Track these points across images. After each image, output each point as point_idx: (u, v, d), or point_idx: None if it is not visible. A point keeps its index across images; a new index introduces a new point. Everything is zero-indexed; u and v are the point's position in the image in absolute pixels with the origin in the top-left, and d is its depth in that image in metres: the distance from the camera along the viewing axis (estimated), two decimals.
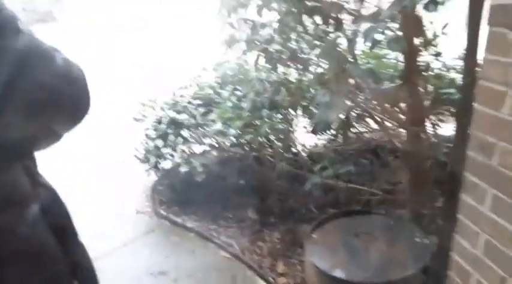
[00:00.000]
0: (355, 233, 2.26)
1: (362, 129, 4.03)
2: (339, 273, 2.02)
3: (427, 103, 2.47)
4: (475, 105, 1.27)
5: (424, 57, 2.69)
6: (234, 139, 2.86)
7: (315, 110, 2.49)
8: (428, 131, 2.46)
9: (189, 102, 3.25)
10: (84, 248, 0.95)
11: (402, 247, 2.16)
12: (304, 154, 3.74)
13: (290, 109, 3.08)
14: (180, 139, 3.10)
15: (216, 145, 3.24)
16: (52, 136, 0.79)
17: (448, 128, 3.74)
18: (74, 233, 0.92)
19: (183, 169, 3.10)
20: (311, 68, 2.42)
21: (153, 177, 3.67)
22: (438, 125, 3.53)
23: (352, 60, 1.95)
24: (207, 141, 3.26)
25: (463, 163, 1.36)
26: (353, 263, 2.08)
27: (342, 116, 2.40)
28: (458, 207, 1.42)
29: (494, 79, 1.16)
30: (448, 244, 1.48)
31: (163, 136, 3.16)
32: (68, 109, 0.76)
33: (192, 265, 2.82)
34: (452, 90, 2.28)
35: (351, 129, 3.20)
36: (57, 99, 0.72)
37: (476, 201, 1.32)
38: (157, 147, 3.15)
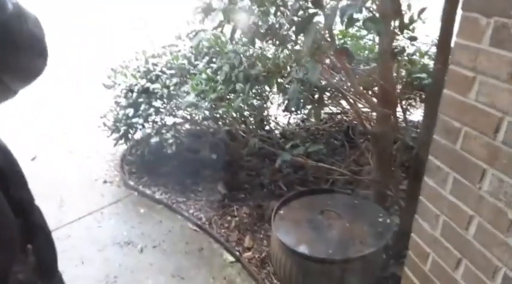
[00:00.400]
0: (321, 211, 2.31)
1: (335, 110, 4.08)
2: (302, 249, 2.06)
3: (399, 87, 2.50)
4: (444, 90, 1.28)
5: (400, 41, 2.71)
6: (207, 113, 2.82)
7: (289, 87, 2.47)
8: (398, 115, 2.50)
9: (162, 72, 3.17)
10: (40, 212, 0.91)
11: (365, 226, 2.22)
12: (277, 132, 3.76)
13: (265, 86, 3.06)
14: (151, 109, 3.03)
15: (189, 118, 3.20)
16: (4, 91, 0.74)
17: (417, 114, 3.83)
18: (27, 196, 0.88)
19: (154, 140, 3.06)
20: (288, 45, 2.39)
21: (123, 146, 3.61)
22: (408, 110, 3.61)
23: (328, 39, 1.94)
24: (180, 112, 3.21)
25: (429, 147, 1.39)
26: (317, 240, 2.13)
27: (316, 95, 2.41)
28: (421, 189, 1.46)
29: (464, 65, 1.17)
30: (409, 225, 1.52)
31: (135, 106, 3.08)
32: (20, 60, 0.71)
33: (159, 236, 2.82)
34: (424, 75, 2.31)
35: (324, 109, 3.23)
36: (6, 48, 0.67)
37: (438, 183, 1.35)
38: (127, 116, 3.07)
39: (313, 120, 3.74)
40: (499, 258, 1.13)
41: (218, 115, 2.96)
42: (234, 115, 2.91)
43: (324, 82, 2.37)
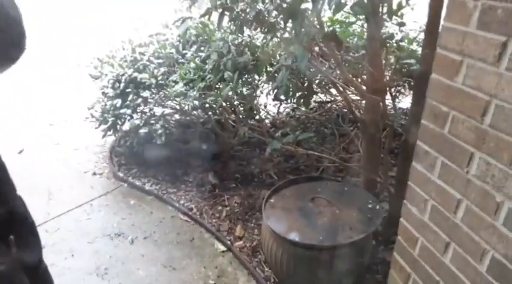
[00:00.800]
0: (311, 199, 2.31)
1: (325, 98, 4.08)
2: (292, 236, 2.06)
3: (388, 74, 2.50)
4: (432, 74, 1.28)
5: (389, 28, 2.70)
6: (196, 102, 2.79)
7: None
8: (387, 103, 2.50)
9: (150, 61, 3.12)
10: (22, 201, 0.89)
11: (355, 212, 2.23)
12: (267, 121, 3.75)
13: (255, 75, 3.03)
14: (139, 100, 2.99)
15: (178, 108, 3.17)
16: None
17: (406, 101, 3.85)
18: (9, 185, 0.86)
19: (143, 131, 3.02)
20: (277, 32, 2.37)
21: (111, 138, 3.57)
22: (397, 97, 3.62)
23: (317, 25, 1.92)
24: (169, 103, 3.17)
25: (417, 133, 1.39)
26: (307, 227, 2.13)
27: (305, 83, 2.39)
28: (409, 174, 1.46)
29: (451, 48, 1.17)
30: (398, 211, 1.53)
31: (122, 96, 3.04)
32: None
33: (150, 227, 2.81)
34: (412, 61, 2.30)
35: (313, 98, 3.22)
36: None
37: (426, 168, 1.35)
38: (115, 107, 3.03)
39: (303, 108, 3.73)
40: (487, 241, 1.14)
41: (207, 105, 2.94)
42: (224, 104, 2.89)
43: (313, 70, 2.35)
